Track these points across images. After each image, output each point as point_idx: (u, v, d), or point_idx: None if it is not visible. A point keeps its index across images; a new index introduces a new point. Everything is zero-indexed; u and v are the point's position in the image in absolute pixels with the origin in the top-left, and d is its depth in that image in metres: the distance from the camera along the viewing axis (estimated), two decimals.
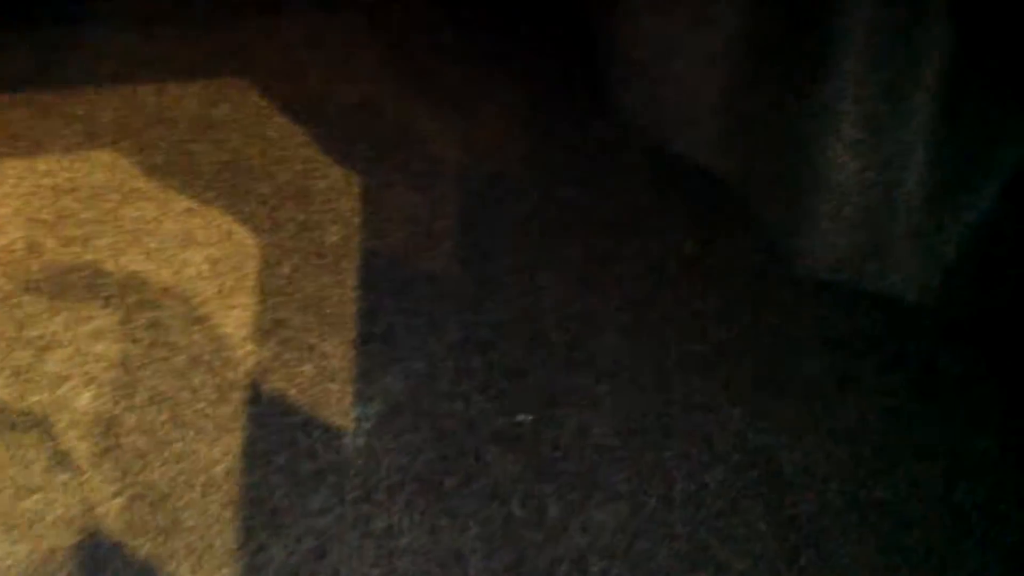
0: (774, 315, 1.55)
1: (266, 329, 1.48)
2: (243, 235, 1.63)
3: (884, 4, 1.43)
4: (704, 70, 1.73)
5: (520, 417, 1.36)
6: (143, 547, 1.17)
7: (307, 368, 1.42)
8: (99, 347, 1.44)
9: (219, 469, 1.27)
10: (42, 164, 1.72)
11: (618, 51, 1.88)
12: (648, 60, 1.82)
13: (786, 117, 1.62)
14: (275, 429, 1.33)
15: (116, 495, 1.23)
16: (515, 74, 2.02)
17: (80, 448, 1.28)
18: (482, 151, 1.84)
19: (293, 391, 1.38)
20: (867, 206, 1.54)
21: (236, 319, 1.49)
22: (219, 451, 1.29)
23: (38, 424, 1.31)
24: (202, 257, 1.58)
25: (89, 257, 1.57)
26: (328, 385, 1.39)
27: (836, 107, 1.52)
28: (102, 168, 1.72)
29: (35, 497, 1.22)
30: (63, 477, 1.25)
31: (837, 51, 1.49)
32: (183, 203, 1.68)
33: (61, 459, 1.27)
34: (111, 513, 1.20)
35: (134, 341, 1.44)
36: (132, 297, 1.51)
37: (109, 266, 1.56)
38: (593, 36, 1.99)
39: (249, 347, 1.45)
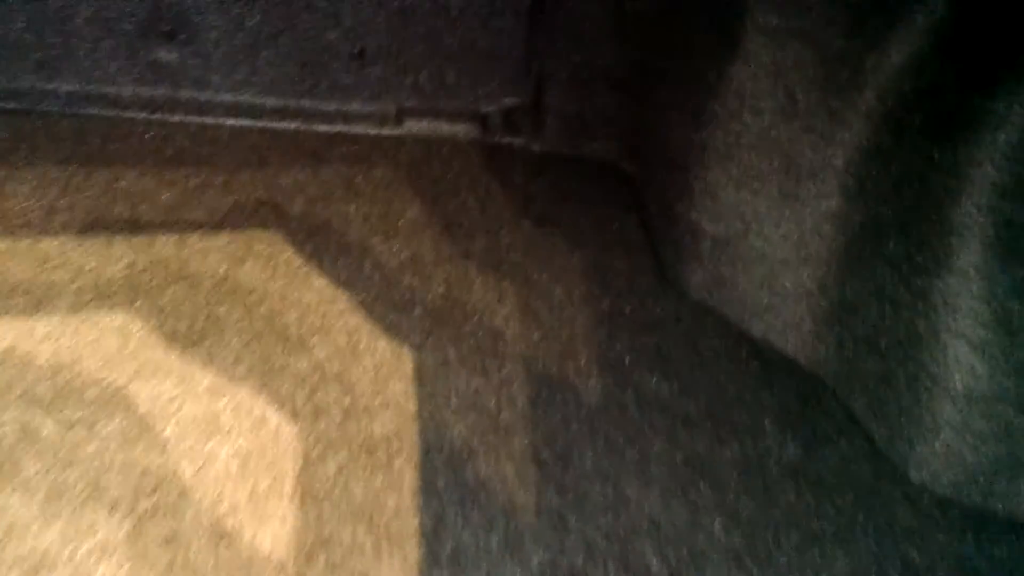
0: (898, 540, 1.34)
1: (308, 549, 1.22)
2: (278, 423, 1.39)
3: (1016, 194, 1.31)
4: (794, 250, 1.59)
5: None
6: None
7: None
8: (102, 570, 1.16)
9: None
10: (41, 327, 1.47)
11: (690, 221, 1.74)
12: (726, 235, 1.67)
13: (895, 310, 1.46)
14: None
15: None
16: (570, 236, 1.86)
17: None
18: (544, 326, 1.64)
19: None
20: (1000, 417, 1.37)
21: (272, 534, 1.23)
22: None
23: None
24: (230, 450, 1.33)
25: (93, 448, 1.31)
26: None
27: (959, 303, 1.37)
28: (112, 334, 1.48)
29: None
30: None
31: (960, 241, 1.35)
32: (207, 380, 1.44)
33: None
34: None
35: (146, 562, 1.17)
36: (144, 503, 1.25)
37: (117, 460, 1.29)
38: (659, 201, 1.86)
39: (289, 573, 1.19)
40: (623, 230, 1.91)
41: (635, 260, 1.82)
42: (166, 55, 2.00)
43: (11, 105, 1.98)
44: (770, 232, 1.61)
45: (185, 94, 2.06)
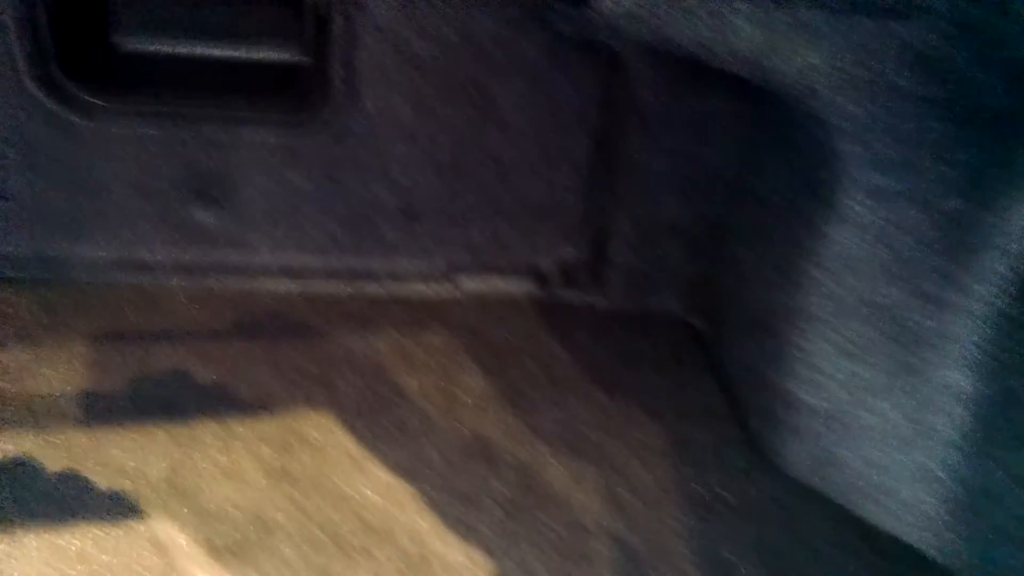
0: None
1: None
2: None
3: None
4: (911, 426, 1.42)
5: None
6: None
7: None
8: None
9: None
10: (75, 544, 1.30)
11: (785, 391, 1.58)
12: (830, 408, 1.50)
13: None
14: None
15: None
16: (647, 405, 1.70)
17: None
18: (630, 513, 1.46)
19: None
20: None
21: None
22: None
23: None
24: None
25: None
26: None
27: None
28: (152, 549, 1.31)
29: None
30: None
31: None
32: None
33: None
34: None
35: None
36: None
37: None
38: (743, 366, 1.70)
39: None
40: (702, 396, 1.75)
41: (721, 432, 1.66)
42: (203, 216, 1.90)
43: (41, 275, 1.87)
44: (882, 406, 1.45)
45: (222, 256, 1.95)
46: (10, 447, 1.45)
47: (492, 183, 1.90)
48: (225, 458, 1.48)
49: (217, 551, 1.32)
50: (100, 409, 1.56)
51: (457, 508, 1.44)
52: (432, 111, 1.77)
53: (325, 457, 1.51)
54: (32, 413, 1.53)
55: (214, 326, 1.79)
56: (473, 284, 1.99)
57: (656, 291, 1.95)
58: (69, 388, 1.59)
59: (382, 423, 1.59)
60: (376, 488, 1.46)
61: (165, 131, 1.76)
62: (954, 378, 1.37)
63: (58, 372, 1.62)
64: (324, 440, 1.54)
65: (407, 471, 1.50)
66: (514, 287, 2.01)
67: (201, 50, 1.88)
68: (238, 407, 1.59)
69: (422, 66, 1.70)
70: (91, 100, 1.73)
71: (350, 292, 1.94)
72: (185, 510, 1.37)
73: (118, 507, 1.37)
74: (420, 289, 1.97)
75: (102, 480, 1.42)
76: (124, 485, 1.41)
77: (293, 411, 1.60)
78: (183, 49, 1.87)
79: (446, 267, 2.00)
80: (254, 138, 1.78)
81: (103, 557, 1.28)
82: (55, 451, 1.46)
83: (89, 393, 1.59)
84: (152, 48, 1.86)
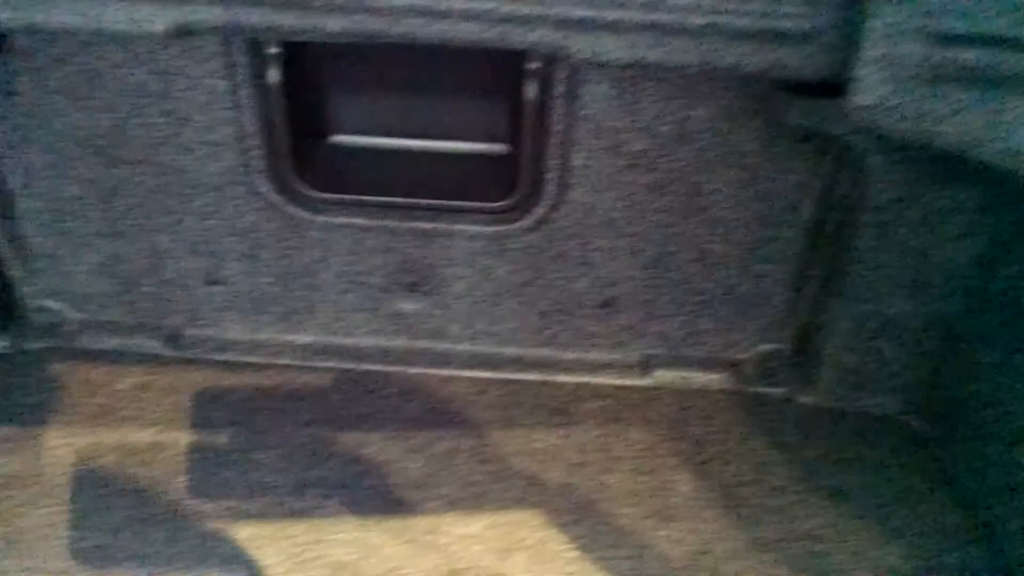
0: None
1: None
2: None
3: None
4: None
5: None
6: None
7: None
8: None
9: None
10: None
11: None
12: None
13: None
14: None
15: None
16: (878, 517, 1.57)
17: None
18: None
19: None
20: None
21: None
22: None
23: None
24: None
25: None
26: None
27: None
28: None
29: None
30: None
31: None
32: None
33: None
34: None
35: None
36: None
37: None
38: (990, 481, 1.56)
39: None
40: (938, 510, 1.60)
41: (970, 556, 1.50)
42: (408, 306, 1.93)
43: (252, 358, 1.93)
44: None
45: (421, 345, 1.96)
46: (229, 534, 1.48)
47: (695, 275, 1.85)
48: (445, 559, 1.45)
49: None
50: (316, 499, 1.57)
51: None
52: (640, 205, 1.75)
53: (543, 562, 1.46)
54: (251, 499, 1.55)
55: (418, 415, 1.79)
56: (668, 377, 1.93)
57: (871, 389, 1.83)
58: (286, 475, 1.61)
59: (596, 527, 1.53)
60: None
61: (378, 222, 1.80)
62: None
63: (274, 456, 1.65)
64: (540, 542, 1.49)
65: None
66: (710, 380, 1.93)
67: (410, 143, 1.93)
68: (448, 503, 1.57)
69: (634, 162, 1.69)
70: (312, 194, 1.79)
71: (542, 381, 1.91)
72: None
73: None
74: (613, 381, 1.92)
75: (323, 571, 1.41)
76: None
77: (505, 510, 1.56)
78: (393, 142, 1.92)
79: (640, 359, 1.95)
80: (464, 230, 1.80)
81: None
82: (272, 543, 1.47)
83: (306, 482, 1.60)
84: (363, 142, 1.92)
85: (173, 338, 1.94)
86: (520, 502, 1.58)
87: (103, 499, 1.53)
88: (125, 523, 1.49)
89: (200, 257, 1.87)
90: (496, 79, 1.81)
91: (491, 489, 1.61)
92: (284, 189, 1.77)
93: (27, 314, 1.94)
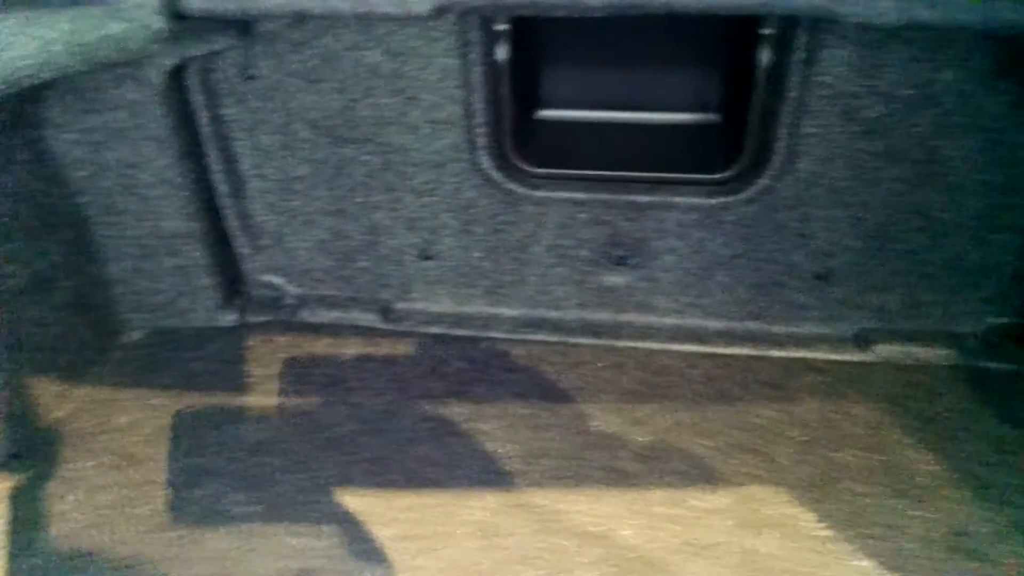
0: None
1: None
2: None
3: None
4: None
5: None
6: None
7: None
8: None
9: None
10: None
11: None
12: None
13: None
14: None
15: None
16: None
17: None
18: None
19: None
20: None
21: None
22: None
23: None
24: None
25: None
26: None
27: None
28: None
29: None
30: None
31: None
32: None
33: None
34: None
35: None
36: None
37: None
38: None
39: None
40: None
41: None
42: (615, 280, 1.93)
43: (460, 331, 1.98)
44: None
45: (628, 318, 1.96)
46: (471, 502, 1.52)
47: (920, 246, 1.77)
48: (689, 532, 1.45)
49: None
50: (545, 471, 1.59)
51: None
52: (870, 173, 1.68)
53: (795, 540, 1.44)
54: (486, 470, 1.59)
55: (633, 389, 1.79)
56: (888, 351, 1.86)
57: None
58: (512, 445, 1.65)
59: (839, 504, 1.50)
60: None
61: (594, 196, 1.80)
62: None
63: (497, 426, 1.69)
64: (788, 521, 1.47)
65: (883, 562, 1.39)
66: (933, 355, 1.85)
67: (620, 115, 1.92)
68: (683, 478, 1.57)
69: (869, 128, 1.62)
70: (530, 169, 1.81)
71: (753, 356, 1.88)
72: None
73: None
74: (827, 356, 1.87)
75: (572, 543, 1.44)
76: (595, 553, 1.42)
77: (741, 486, 1.55)
78: (604, 115, 1.92)
79: (856, 333, 1.89)
80: (680, 202, 1.78)
81: None
82: (516, 512, 1.50)
83: (533, 452, 1.63)
84: (576, 116, 1.93)
85: (385, 311, 2.01)
86: (755, 478, 1.56)
87: (346, 466, 1.60)
88: (370, 489, 1.56)
89: (415, 233, 1.92)
90: (711, 48, 1.78)
91: (722, 464, 1.60)
92: (504, 165, 1.79)
93: (250, 289, 2.05)
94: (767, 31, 1.59)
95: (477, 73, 1.66)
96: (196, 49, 1.61)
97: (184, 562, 1.41)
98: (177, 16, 1.42)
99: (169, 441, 1.65)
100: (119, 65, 1.56)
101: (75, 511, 1.49)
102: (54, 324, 1.73)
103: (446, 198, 1.86)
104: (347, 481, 1.57)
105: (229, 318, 2.00)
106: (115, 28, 1.37)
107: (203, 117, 1.77)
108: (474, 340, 1.96)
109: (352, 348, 1.93)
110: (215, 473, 1.57)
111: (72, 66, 1.38)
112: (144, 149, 1.71)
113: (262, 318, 2.02)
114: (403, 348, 1.93)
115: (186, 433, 1.67)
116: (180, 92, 1.71)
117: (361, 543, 1.45)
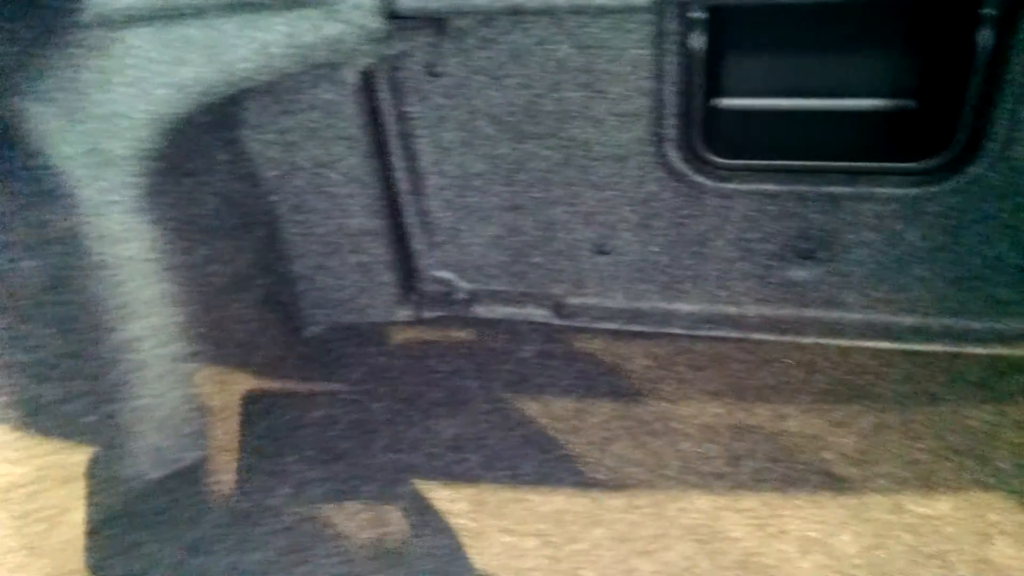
0: None
1: None
2: None
3: None
4: None
5: None
6: None
7: None
8: None
9: None
10: None
11: None
12: None
13: None
14: None
15: None
16: None
17: None
18: None
19: None
20: None
21: None
22: None
23: None
24: None
25: None
26: None
27: None
28: None
29: None
30: None
31: None
32: None
33: None
34: None
35: None
36: None
37: None
38: None
39: None
40: None
41: None
42: (799, 274, 1.86)
43: (634, 327, 1.94)
44: None
45: (813, 314, 1.89)
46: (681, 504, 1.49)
47: None
48: (914, 540, 1.39)
49: None
50: (748, 469, 1.55)
51: None
52: None
53: None
54: (684, 471, 1.56)
55: (828, 388, 1.72)
56: None
57: None
58: (710, 446, 1.61)
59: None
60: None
61: (785, 188, 1.74)
62: None
63: (688, 427, 1.65)
64: (1017, 528, 1.39)
65: None
66: None
67: (809, 103, 1.85)
68: (894, 481, 1.50)
69: None
70: (718, 160, 1.75)
71: (952, 353, 1.79)
72: None
73: None
74: None
75: (793, 548, 1.39)
76: (816, 559, 1.37)
77: (962, 491, 1.47)
78: (792, 103, 1.85)
79: None
80: (879, 193, 1.70)
81: None
82: (730, 513, 1.46)
83: (736, 453, 1.59)
84: (761, 104, 1.86)
85: (558, 307, 1.99)
86: (976, 483, 1.48)
87: (546, 464, 1.59)
88: (574, 488, 1.54)
89: (592, 227, 1.89)
90: (913, 31, 1.69)
91: (938, 468, 1.52)
92: (691, 157, 1.74)
93: (424, 285, 2.06)
94: (989, 11, 1.49)
95: (671, 63, 1.62)
96: (395, 48, 1.62)
97: (399, 556, 1.42)
98: (391, 16, 1.42)
99: (367, 436, 1.67)
100: (320, 66, 1.58)
101: (288, 505, 1.53)
102: (250, 321, 1.77)
103: (627, 192, 1.82)
104: (549, 479, 1.56)
105: (405, 313, 2.01)
106: (332, 30, 1.38)
107: (389, 115, 1.78)
108: (651, 336, 1.92)
109: (530, 344, 1.92)
110: (418, 469, 1.58)
111: (288, 68, 1.40)
112: (335, 148, 1.73)
113: (435, 313, 2.03)
114: (581, 344, 1.91)
115: (382, 428, 1.69)
116: (369, 91, 1.72)
117: (571, 544, 1.43)
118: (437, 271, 2.04)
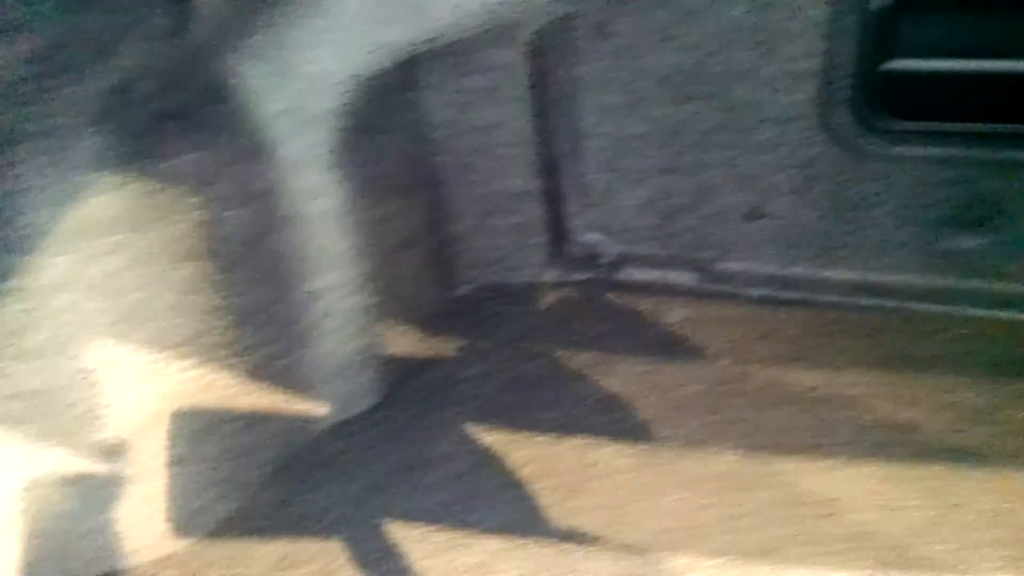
0: None
1: None
2: None
3: None
4: None
5: None
6: None
7: None
8: None
9: None
10: None
11: None
12: None
13: None
14: None
15: None
16: None
17: None
18: None
19: None
20: None
21: None
22: None
23: None
24: None
25: None
26: None
27: None
28: None
29: None
30: None
31: None
32: None
33: None
34: None
35: None
36: None
37: None
38: None
39: None
40: None
41: None
42: (966, 243, 1.80)
43: (787, 294, 1.92)
44: None
45: (976, 285, 1.83)
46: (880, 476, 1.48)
47: None
48: None
49: None
50: (921, 442, 1.52)
51: None
52: None
53: None
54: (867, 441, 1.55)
55: (1002, 360, 1.68)
56: None
57: None
58: (877, 415, 1.59)
59: None
60: None
61: (955, 152, 1.69)
62: None
63: (854, 395, 1.63)
64: None
65: None
66: None
67: (975, 66, 1.78)
68: None
69: None
70: (888, 124, 1.71)
71: None
72: None
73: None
74: None
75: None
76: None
77: None
78: (967, 64, 1.78)
79: None
80: None
81: None
82: (917, 483, 1.45)
83: (903, 426, 1.57)
84: (935, 66, 1.80)
85: (707, 272, 1.98)
86: None
87: (713, 427, 1.59)
88: (748, 451, 1.53)
89: (747, 191, 1.88)
90: None
91: None
92: (861, 120, 1.71)
93: (572, 247, 2.08)
94: None
95: (848, 22, 1.58)
96: (569, 7, 1.63)
97: (563, 509, 1.46)
98: None
99: (524, 392, 1.71)
100: (500, 26, 1.60)
101: (451, 458, 1.58)
102: (416, 278, 1.82)
103: (787, 155, 1.80)
104: (720, 441, 1.56)
105: (553, 275, 2.04)
106: None
107: (556, 76, 1.79)
108: (803, 304, 1.90)
109: (677, 309, 1.93)
110: (581, 425, 1.61)
111: (479, 28, 1.43)
112: (506, 109, 1.75)
113: (582, 275, 2.06)
114: (730, 311, 1.91)
115: (538, 385, 1.73)
116: (539, 52, 1.74)
117: (743, 503, 1.44)
118: (585, 233, 2.06)
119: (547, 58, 1.77)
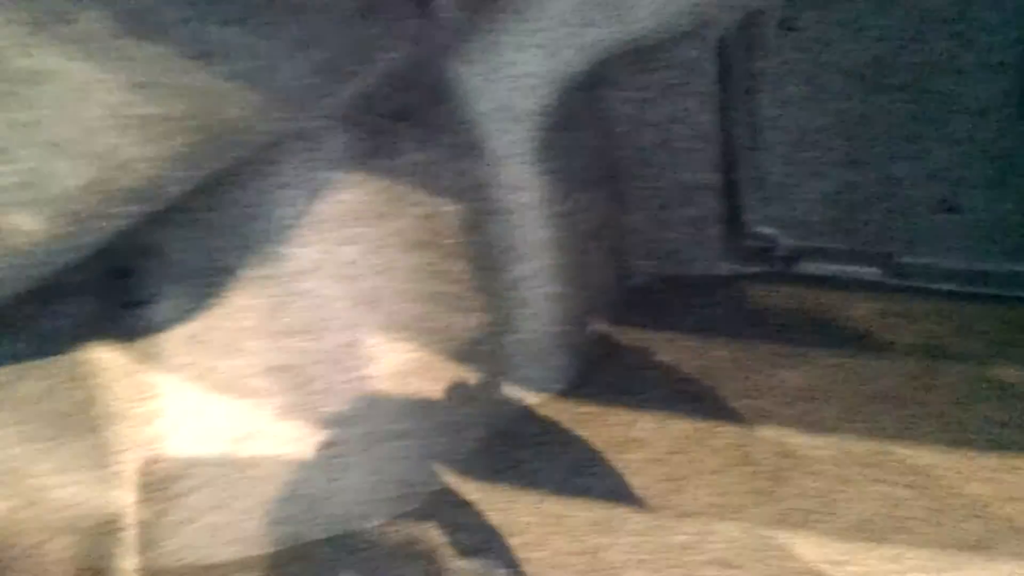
0: None
1: None
2: None
3: None
4: None
5: None
6: None
7: None
8: None
9: None
10: None
11: None
12: None
13: None
14: None
15: None
16: None
17: None
18: None
19: None
20: None
21: None
22: None
23: None
24: None
25: None
26: None
27: None
28: None
29: None
30: None
31: None
32: None
33: None
34: None
35: None
36: None
37: None
38: None
39: None
40: None
41: None
42: None
43: (976, 289, 1.87)
44: None
45: None
46: None
47: None
48: None
49: None
50: None
51: None
52: None
53: None
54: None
55: None
56: None
57: None
58: None
59: None
60: None
61: None
62: None
63: None
64: None
65: None
66: None
67: None
68: None
69: None
70: None
71: None
72: None
73: None
74: None
75: None
76: None
77: None
78: None
79: None
80: None
81: None
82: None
83: None
84: None
85: (890, 266, 1.95)
86: None
87: (906, 420, 1.58)
88: (940, 446, 1.51)
89: (937, 184, 1.84)
90: None
91: None
92: None
93: (745, 240, 2.09)
94: None
95: None
96: (756, 3, 1.65)
97: (765, 496, 1.48)
98: None
99: (715, 381, 1.74)
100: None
101: (646, 444, 1.62)
102: (600, 270, 1.89)
103: (983, 147, 1.76)
104: (909, 435, 1.55)
105: (727, 267, 2.06)
106: None
107: (738, 70, 1.82)
108: (996, 299, 1.85)
109: (862, 303, 1.91)
110: (775, 416, 1.63)
111: (676, 28, 1.47)
112: (688, 104, 1.79)
113: (756, 268, 2.06)
114: (918, 306, 1.87)
115: (728, 376, 1.75)
116: (723, 48, 1.77)
117: (950, 498, 1.42)
118: (759, 226, 2.06)
119: (730, 54, 1.79)
